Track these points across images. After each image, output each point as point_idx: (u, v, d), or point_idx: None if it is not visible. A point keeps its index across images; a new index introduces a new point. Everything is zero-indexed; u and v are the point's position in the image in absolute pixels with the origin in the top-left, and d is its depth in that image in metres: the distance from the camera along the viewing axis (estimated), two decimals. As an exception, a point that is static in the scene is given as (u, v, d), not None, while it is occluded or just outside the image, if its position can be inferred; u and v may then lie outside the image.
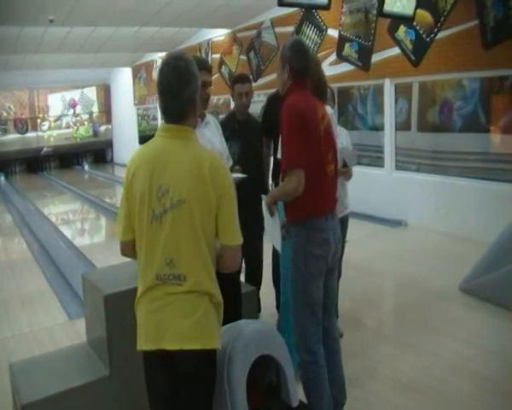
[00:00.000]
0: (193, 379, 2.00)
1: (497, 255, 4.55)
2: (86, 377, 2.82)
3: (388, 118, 7.89)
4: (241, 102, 4.08)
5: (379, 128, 8.25)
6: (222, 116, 7.19)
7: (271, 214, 2.90)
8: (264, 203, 2.87)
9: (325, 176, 2.74)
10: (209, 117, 3.27)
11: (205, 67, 3.06)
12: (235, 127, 4.07)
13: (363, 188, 7.90)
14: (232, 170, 3.17)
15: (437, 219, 6.93)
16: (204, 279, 1.96)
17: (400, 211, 7.50)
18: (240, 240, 2.02)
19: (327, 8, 5.85)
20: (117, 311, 2.74)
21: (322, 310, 2.79)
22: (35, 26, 9.43)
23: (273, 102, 3.94)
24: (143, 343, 1.99)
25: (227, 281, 3.07)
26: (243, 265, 4.27)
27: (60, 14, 8.52)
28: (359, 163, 8.23)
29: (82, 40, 11.05)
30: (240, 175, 3.18)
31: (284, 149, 2.72)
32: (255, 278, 4.27)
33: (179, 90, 1.95)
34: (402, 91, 7.70)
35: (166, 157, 1.95)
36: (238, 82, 4.12)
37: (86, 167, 19.22)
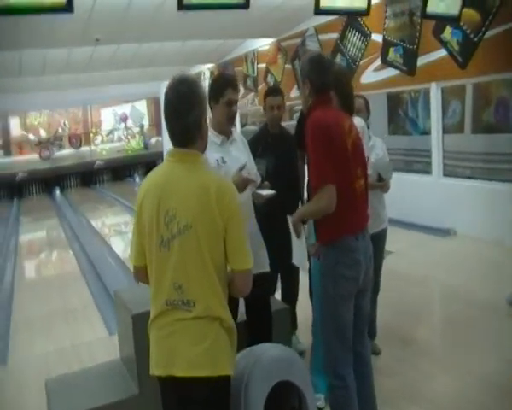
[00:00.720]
0: (205, 406, 1.96)
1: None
2: (116, 396, 2.85)
3: (435, 122, 7.60)
4: (272, 114, 4.00)
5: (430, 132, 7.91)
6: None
7: (298, 235, 2.80)
8: (290, 222, 2.77)
9: (354, 192, 2.63)
10: (236, 134, 3.23)
11: (230, 84, 3.04)
12: (268, 141, 3.99)
13: (411, 195, 7.72)
14: (261, 186, 3.08)
15: (488, 228, 6.55)
16: (214, 305, 1.94)
17: (449, 219, 7.17)
18: (250, 264, 1.98)
19: (366, 13, 5.70)
20: (145, 330, 2.70)
21: (353, 333, 2.67)
22: (82, 46, 9.73)
23: (307, 114, 3.87)
24: (155, 369, 1.99)
25: (257, 302, 3.08)
26: (279, 283, 4.20)
27: (105, 33, 8.73)
28: (408, 170, 8.20)
29: (129, 56, 11.31)
30: (269, 192, 3.05)
31: (312, 167, 2.63)
32: (291, 295, 4.16)
33: (183, 114, 1.94)
34: (455, 93, 7.39)
35: (173, 182, 1.95)
36: (270, 95, 4.05)
37: (137, 179, 19.62)
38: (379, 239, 3.63)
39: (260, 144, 3.88)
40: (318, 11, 5.33)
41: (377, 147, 3.87)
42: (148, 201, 1.96)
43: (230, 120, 3.06)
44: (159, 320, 1.97)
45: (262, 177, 3.27)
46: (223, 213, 1.90)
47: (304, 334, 4.00)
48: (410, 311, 4.74)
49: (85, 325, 5.20)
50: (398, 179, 8.24)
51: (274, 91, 4.14)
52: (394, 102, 8.50)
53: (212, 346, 1.92)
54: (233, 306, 2.91)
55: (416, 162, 8.12)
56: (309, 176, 2.80)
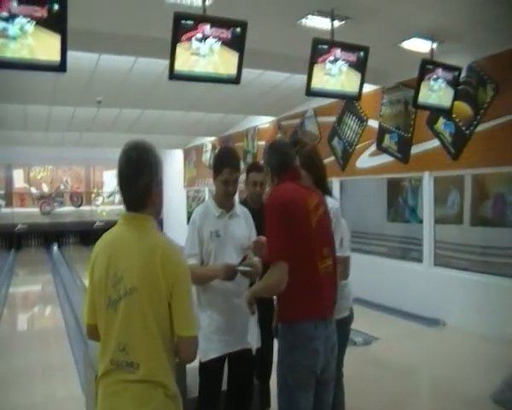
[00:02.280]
0: None
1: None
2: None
3: (427, 211, 7.56)
4: (254, 190, 3.98)
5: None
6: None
7: (252, 312, 2.68)
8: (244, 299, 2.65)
9: (317, 273, 2.48)
10: (238, 209, 3.23)
11: (228, 164, 3.08)
12: None
13: (402, 282, 7.59)
14: (244, 260, 3.03)
15: (478, 321, 6.36)
16: (157, 369, 1.92)
17: (439, 309, 7.00)
18: (194, 331, 1.96)
19: (357, 98, 5.75)
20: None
21: None
22: (84, 107, 9.91)
23: None
24: None
25: (239, 373, 3.08)
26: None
27: (106, 95, 8.90)
28: (402, 257, 8.06)
29: (132, 121, 11.49)
30: (244, 268, 2.99)
31: (267, 242, 2.53)
32: (264, 371, 3.98)
33: (132, 180, 1.98)
34: (454, 183, 7.34)
35: (122, 244, 1.99)
36: (253, 170, 4.03)
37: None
38: (341, 326, 3.41)
39: None
40: (309, 93, 5.38)
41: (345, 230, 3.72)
42: (99, 261, 2.00)
43: (227, 197, 3.12)
44: (104, 379, 1.97)
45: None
46: (167, 277, 1.90)
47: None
48: (389, 401, 4.54)
49: (61, 382, 5.16)
50: (390, 266, 8.33)
51: (257, 168, 4.09)
52: (394, 188, 8.48)
53: None
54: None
55: (413, 251, 7.98)
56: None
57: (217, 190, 3.15)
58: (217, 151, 3.30)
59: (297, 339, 2.44)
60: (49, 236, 18.22)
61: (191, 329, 1.95)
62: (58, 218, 18.80)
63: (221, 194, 3.11)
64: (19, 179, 18.88)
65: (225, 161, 3.09)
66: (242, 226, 3.18)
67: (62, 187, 19.36)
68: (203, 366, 2.97)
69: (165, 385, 1.91)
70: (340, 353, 3.46)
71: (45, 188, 19.22)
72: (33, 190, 19.08)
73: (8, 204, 18.55)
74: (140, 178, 1.96)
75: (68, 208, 19.34)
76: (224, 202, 3.13)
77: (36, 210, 18.85)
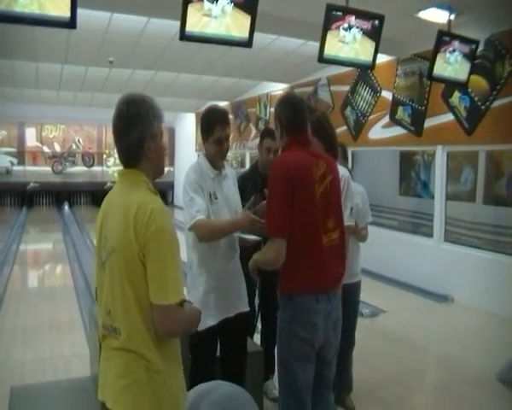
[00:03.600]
0: None
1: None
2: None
3: (439, 186, 7.46)
4: (267, 157, 3.88)
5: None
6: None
7: (254, 282, 2.65)
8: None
9: (320, 246, 2.41)
10: (228, 170, 3.13)
11: (218, 122, 2.95)
12: (257, 181, 3.83)
13: (411, 258, 7.55)
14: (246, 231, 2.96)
15: (486, 299, 6.34)
16: (135, 339, 1.78)
17: (447, 285, 6.96)
18: (169, 299, 1.73)
19: (371, 68, 5.64)
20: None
21: (315, 397, 2.49)
22: (97, 66, 9.84)
23: None
24: (98, 391, 1.93)
25: (234, 337, 3.03)
26: (258, 325, 4.09)
27: (118, 56, 8.82)
28: (412, 231, 8.03)
29: (144, 82, 11.39)
30: (254, 238, 2.92)
31: (267, 213, 2.46)
32: (270, 338, 3.96)
33: (122, 134, 1.89)
34: (468, 160, 7.23)
35: (113, 203, 1.91)
36: (268, 137, 3.92)
37: (146, 206, 19.61)
38: (350, 292, 3.45)
39: (249, 183, 3.77)
40: (322, 59, 5.26)
41: (357, 195, 3.72)
42: (97, 221, 1.96)
43: (222, 156, 3.00)
44: (102, 342, 1.93)
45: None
46: (139, 237, 1.74)
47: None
48: (393, 374, 4.56)
49: (68, 340, 5.21)
50: (400, 240, 8.29)
51: (272, 134, 3.92)
52: (407, 162, 8.37)
53: (134, 386, 1.78)
54: None
55: (423, 226, 7.92)
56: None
57: (209, 153, 2.99)
58: (202, 113, 3.07)
59: (296, 311, 2.41)
60: (60, 195, 18.36)
61: (163, 296, 1.73)
62: (69, 177, 18.90)
63: (214, 155, 2.95)
64: (31, 138, 18.97)
65: (215, 118, 2.95)
66: (233, 189, 3.11)
67: (74, 147, 19.43)
68: (197, 334, 2.84)
69: (146, 358, 1.77)
70: (351, 320, 3.51)
71: (57, 147, 19.30)
72: (45, 148, 19.17)
73: (21, 162, 18.66)
74: (131, 131, 1.85)
75: (80, 168, 19.42)
76: (219, 161, 3.00)
77: (48, 169, 18.98)
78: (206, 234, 2.84)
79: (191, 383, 2.79)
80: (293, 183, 2.37)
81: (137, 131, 1.86)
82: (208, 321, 2.87)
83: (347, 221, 2.91)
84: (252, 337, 3.89)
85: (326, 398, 2.59)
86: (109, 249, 1.82)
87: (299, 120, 2.56)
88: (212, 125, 2.93)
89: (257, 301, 3.14)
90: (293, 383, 2.43)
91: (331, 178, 2.52)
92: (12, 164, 18.46)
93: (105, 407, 1.86)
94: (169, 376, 1.82)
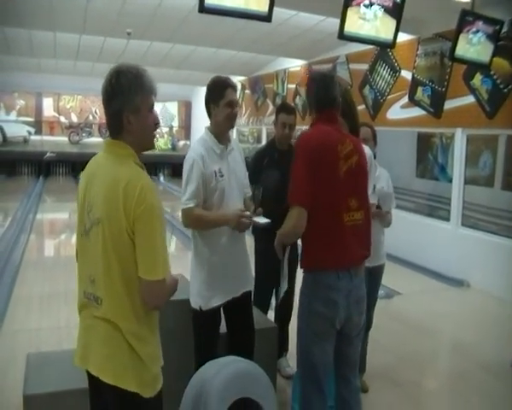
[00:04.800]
0: None
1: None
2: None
3: (457, 170, 7.33)
4: (283, 132, 3.84)
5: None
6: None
7: (280, 257, 2.62)
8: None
9: (341, 224, 2.39)
10: (233, 143, 3.10)
11: (229, 85, 2.93)
12: (274, 156, 3.84)
13: (427, 241, 7.49)
14: (255, 212, 2.94)
15: (502, 284, 6.22)
16: (116, 309, 1.81)
17: (463, 270, 6.87)
18: (156, 275, 1.77)
19: (392, 46, 5.51)
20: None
21: (338, 379, 2.51)
22: (114, 37, 9.79)
23: None
24: (75, 357, 1.96)
25: (240, 315, 3.03)
26: (273, 301, 4.08)
27: (136, 27, 8.76)
28: (428, 214, 7.94)
29: (162, 55, 11.36)
30: (265, 221, 2.90)
31: (290, 185, 2.44)
32: (284, 316, 3.99)
33: (105, 105, 1.88)
34: (487, 144, 7.08)
35: (97, 171, 1.90)
36: (283, 111, 3.90)
37: (162, 179, 19.65)
38: (374, 274, 3.48)
39: (266, 158, 3.76)
40: (342, 36, 5.15)
41: (382, 179, 3.71)
42: (80, 187, 1.95)
43: (232, 121, 2.96)
44: (81, 311, 1.94)
45: (258, 202, 3.07)
46: (128, 213, 1.75)
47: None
48: (406, 357, 4.55)
49: None
50: (416, 222, 8.21)
51: (288, 109, 3.98)
52: (424, 144, 8.24)
53: (113, 355, 1.82)
54: None
55: (440, 209, 7.82)
56: None
57: (216, 121, 2.94)
58: (209, 83, 3.02)
59: (317, 287, 2.40)
60: (76, 165, 18.27)
61: (152, 271, 1.77)
62: (86, 148, 18.88)
63: (225, 120, 2.91)
64: (48, 108, 19.02)
65: (225, 83, 2.93)
66: (240, 162, 3.08)
67: (91, 118, 19.46)
68: (203, 314, 2.87)
69: (128, 329, 1.81)
70: (370, 302, 3.47)
71: (74, 118, 19.35)
72: (62, 119, 19.23)
73: (38, 132, 18.77)
74: (111, 102, 1.84)
75: (96, 139, 19.42)
76: (229, 128, 2.99)
77: (64, 139, 19.07)
78: (190, 224, 2.90)
79: (196, 361, 2.81)
80: (316, 158, 2.38)
81: (117, 104, 1.83)
82: (213, 301, 2.87)
83: (370, 199, 2.88)
84: (266, 314, 3.89)
85: (351, 384, 2.56)
86: (94, 219, 1.83)
87: (328, 96, 2.54)
88: (224, 88, 2.91)
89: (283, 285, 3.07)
90: (310, 359, 2.44)
91: (357, 158, 2.51)
92: (29, 133, 18.61)
93: (90, 374, 1.91)
94: (150, 345, 1.88)
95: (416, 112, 7.97)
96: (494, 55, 5.91)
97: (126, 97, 1.83)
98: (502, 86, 6.44)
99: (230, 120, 2.94)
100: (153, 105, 1.92)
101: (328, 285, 2.38)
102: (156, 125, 1.95)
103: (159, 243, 1.79)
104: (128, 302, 1.81)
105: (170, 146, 20.35)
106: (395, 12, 5.12)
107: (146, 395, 1.84)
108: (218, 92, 2.92)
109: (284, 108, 3.97)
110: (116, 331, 1.81)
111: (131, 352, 1.81)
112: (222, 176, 2.89)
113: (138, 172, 1.84)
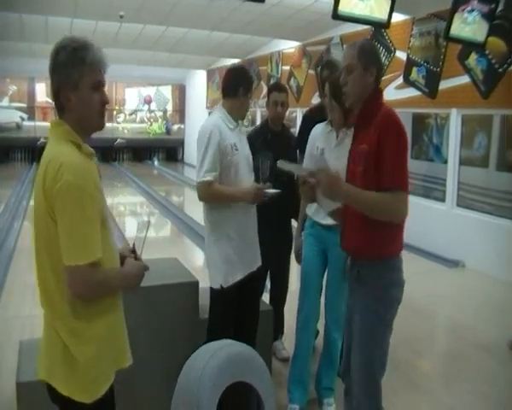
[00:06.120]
0: None
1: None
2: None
3: (452, 150, 7.33)
4: (275, 111, 3.84)
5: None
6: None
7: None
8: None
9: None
10: (243, 126, 3.18)
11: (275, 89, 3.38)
12: (267, 137, 3.84)
13: (422, 222, 7.43)
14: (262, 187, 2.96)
15: (497, 265, 6.28)
16: (49, 302, 1.71)
17: (459, 251, 6.91)
18: (79, 260, 1.59)
19: (386, 26, 5.50)
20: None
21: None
22: (107, 20, 9.67)
23: (309, 119, 3.73)
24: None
25: (247, 298, 3.05)
26: (267, 284, 4.10)
27: (129, 10, 8.66)
28: (424, 195, 7.94)
29: (155, 38, 11.25)
30: (272, 191, 2.93)
31: (391, 169, 2.19)
32: (279, 298, 4.04)
33: (50, 79, 1.72)
34: (482, 124, 7.09)
35: (43, 156, 1.73)
36: (274, 90, 3.92)
37: (156, 163, 19.60)
38: None
39: (259, 139, 3.76)
40: (336, 16, 5.15)
41: None
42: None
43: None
44: None
45: (265, 174, 3.06)
46: (47, 194, 1.61)
47: (291, 341, 3.69)
48: (402, 337, 4.43)
49: None
50: (411, 203, 8.05)
51: (279, 87, 4.01)
52: (419, 125, 8.23)
53: (46, 354, 1.76)
54: None
55: (436, 190, 7.83)
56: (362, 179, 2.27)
57: (241, 107, 3.06)
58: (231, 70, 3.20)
59: (395, 274, 2.33)
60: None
61: (72, 256, 1.59)
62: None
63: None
64: (41, 93, 18.82)
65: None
66: (246, 144, 3.14)
67: (84, 103, 19.33)
68: (223, 292, 2.87)
69: (67, 329, 1.68)
70: None
71: (67, 103, 19.21)
72: (56, 104, 19.09)
73: (31, 118, 18.62)
74: (52, 77, 1.70)
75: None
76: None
77: (57, 124, 18.95)
78: (207, 198, 2.92)
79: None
80: (407, 140, 2.32)
81: (54, 80, 1.70)
82: (234, 277, 2.90)
83: None
84: (261, 296, 3.91)
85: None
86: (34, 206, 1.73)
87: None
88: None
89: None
90: (385, 352, 2.37)
91: None
92: (22, 119, 18.44)
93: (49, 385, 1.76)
94: (89, 344, 1.70)
95: (411, 92, 7.94)
96: (489, 34, 5.89)
97: (62, 73, 1.68)
98: (497, 66, 6.41)
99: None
100: (99, 82, 1.74)
101: (400, 269, 2.34)
102: (103, 105, 1.77)
103: (78, 224, 1.60)
104: (58, 293, 1.67)
105: (164, 130, 20.22)
106: (389, -9, 5.10)
107: (80, 400, 1.68)
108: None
109: (275, 87, 4.02)
110: (51, 327, 1.71)
111: (65, 350, 1.67)
112: (237, 150, 2.93)
113: (65, 149, 1.66)
